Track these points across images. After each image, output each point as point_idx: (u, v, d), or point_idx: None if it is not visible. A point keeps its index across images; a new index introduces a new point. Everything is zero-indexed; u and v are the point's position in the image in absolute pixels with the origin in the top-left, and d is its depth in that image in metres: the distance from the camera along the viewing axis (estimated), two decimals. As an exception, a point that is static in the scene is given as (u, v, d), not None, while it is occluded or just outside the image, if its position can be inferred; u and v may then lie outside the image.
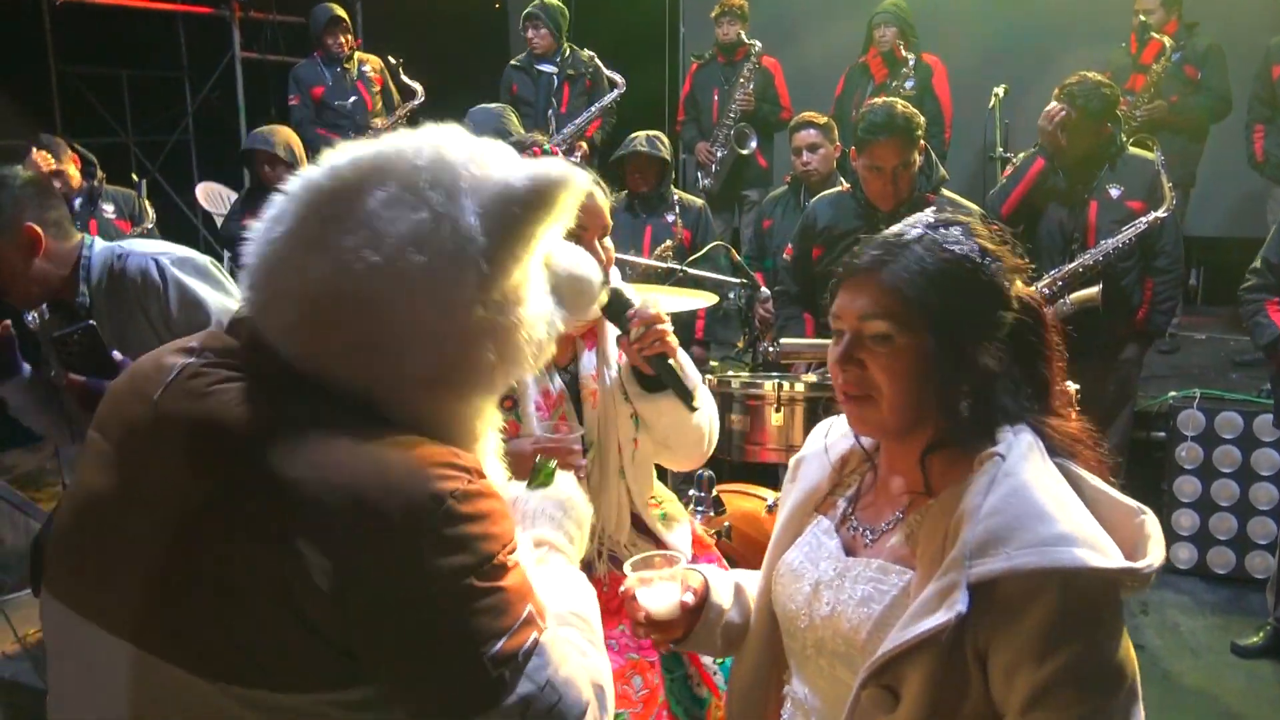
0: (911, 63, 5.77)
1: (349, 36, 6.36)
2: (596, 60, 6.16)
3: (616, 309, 1.97)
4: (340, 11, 6.38)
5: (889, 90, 5.63)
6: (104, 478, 1.12)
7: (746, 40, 6.22)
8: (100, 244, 2.62)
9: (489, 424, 1.21)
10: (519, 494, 1.43)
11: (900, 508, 1.43)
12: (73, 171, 4.76)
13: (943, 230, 1.38)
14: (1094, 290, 3.77)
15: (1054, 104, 3.88)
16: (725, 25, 6.27)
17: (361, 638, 1.01)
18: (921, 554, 1.34)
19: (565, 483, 1.46)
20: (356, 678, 1.03)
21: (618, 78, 6.04)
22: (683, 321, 4.56)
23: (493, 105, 3.73)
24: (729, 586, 1.64)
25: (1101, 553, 1.24)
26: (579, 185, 1.15)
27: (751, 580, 1.67)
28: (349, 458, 1.03)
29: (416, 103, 6.22)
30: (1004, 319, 1.35)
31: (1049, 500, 1.28)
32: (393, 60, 6.34)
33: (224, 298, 2.60)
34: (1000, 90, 5.55)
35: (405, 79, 6.29)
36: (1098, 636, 1.25)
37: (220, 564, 1.02)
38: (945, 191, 3.67)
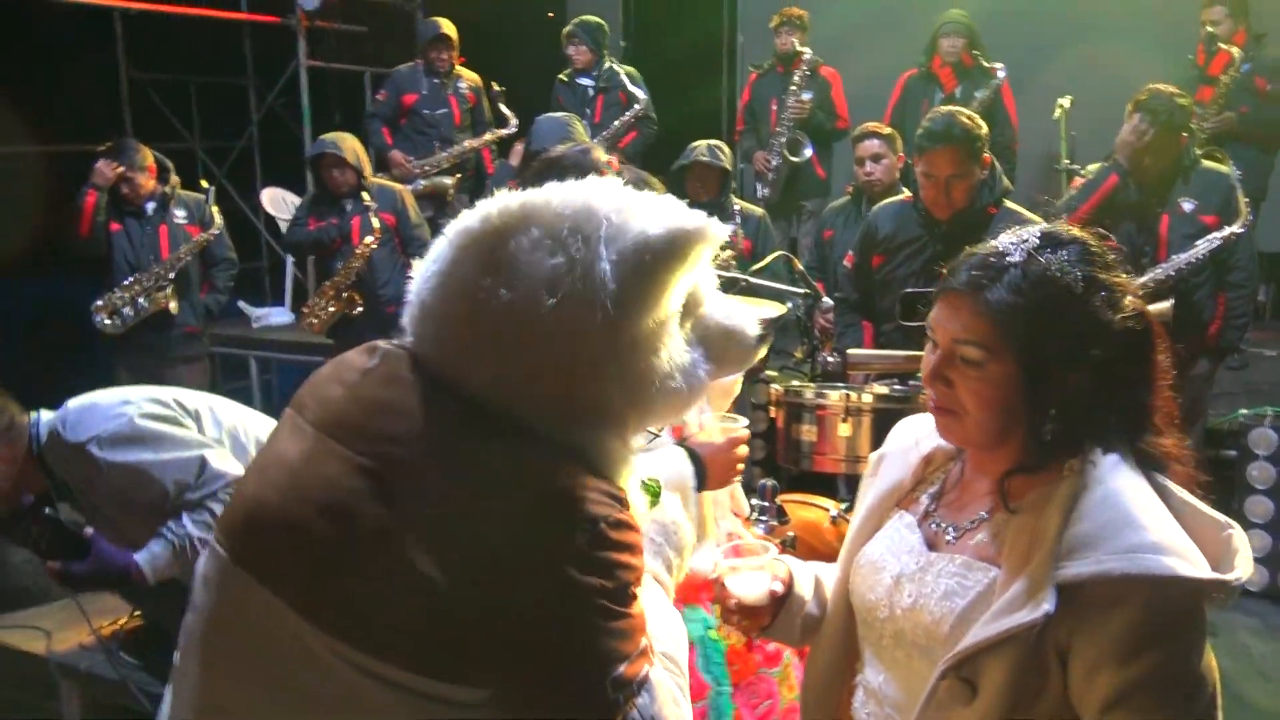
0: (1001, 74, 5.71)
1: (451, 54, 6.50)
2: (621, 75, 6.32)
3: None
4: (448, 30, 6.48)
5: (959, 100, 5.59)
6: (294, 445, 1.17)
7: (809, 53, 6.23)
8: (43, 419, 2.60)
9: (630, 460, 1.23)
10: None
11: (985, 507, 1.45)
12: (146, 179, 4.87)
13: (1048, 255, 1.35)
14: (1165, 305, 3.69)
15: (1137, 119, 3.81)
16: (784, 35, 6.29)
17: (488, 637, 1.04)
18: (1008, 553, 1.36)
19: (670, 506, 1.47)
20: (463, 677, 1.05)
21: (639, 93, 6.25)
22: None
23: (559, 115, 3.77)
24: (809, 578, 1.68)
25: (1191, 563, 1.25)
26: (715, 236, 1.16)
27: (827, 573, 1.70)
28: (513, 467, 1.08)
29: (507, 132, 6.40)
30: (1099, 352, 1.34)
31: (1139, 508, 1.30)
32: (496, 87, 6.44)
33: (168, 452, 2.55)
34: (1066, 101, 5.48)
35: (503, 108, 6.44)
36: (1181, 645, 1.26)
37: (378, 544, 1.06)
38: (1009, 204, 3.63)
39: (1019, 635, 1.28)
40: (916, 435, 1.63)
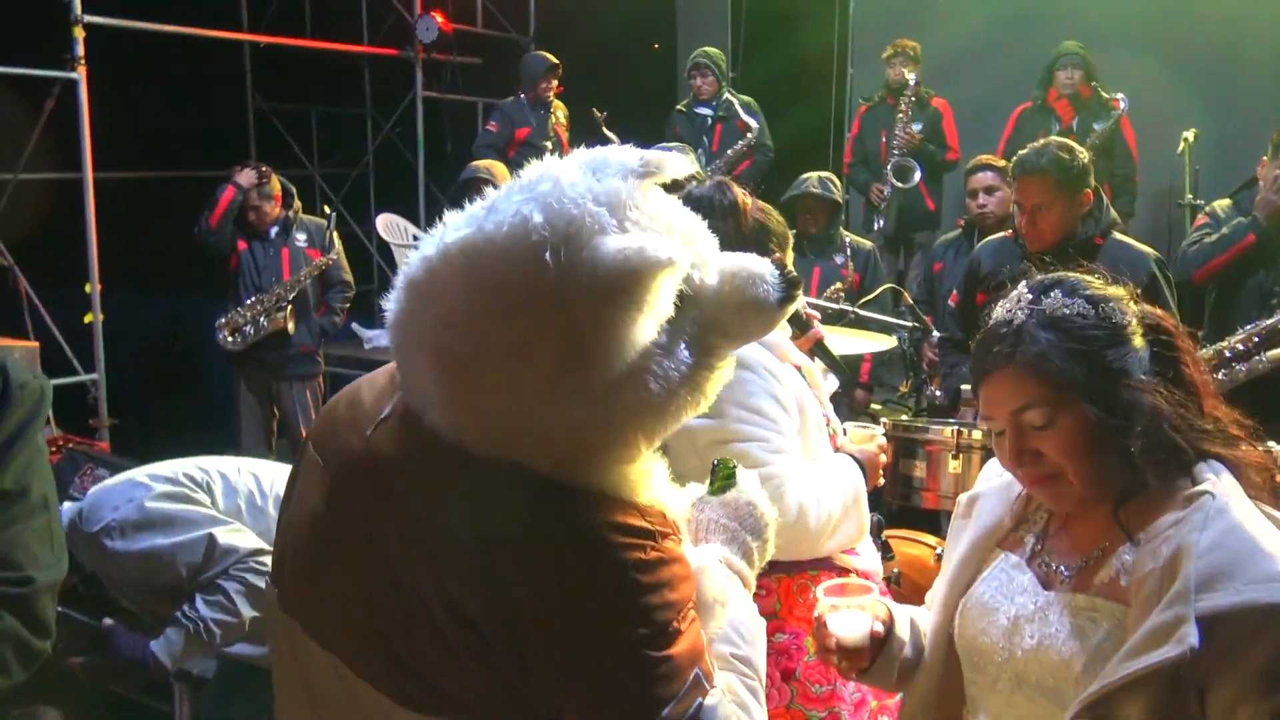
0: (1123, 105, 5.60)
1: (556, 83, 6.72)
2: (736, 105, 6.40)
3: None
4: (554, 59, 6.73)
5: (1076, 133, 5.49)
6: (322, 500, 1.18)
7: (915, 82, 6.20)
8: (65, 510, 2.55)
9: (648, 468, 1.17)
10: (698, 499, 1.38)
11: (1101, 543, 1.43)
12: (271, 205, 5.09)
13: (1048, 301, 1.40)
14: (1292, 349, 3.55)
15: None
16: (896, 67, 6.26)
17: (546, 694, 1.05)
18: (1137, 588, 1.33)
19: (747, 484, 1.39)
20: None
21: (753, 122, 6.33)
22: (850, 365, 4.52)
23: (671, 145, 3.84)
24: (906, 621, 1.65)
25: None
26: (672, 262, 1.03)
27: (921, 616, 1.67)
28: (535, 526, 1.06)
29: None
30: (1138, 350, 1.38)
31: (1265, 538, 1.28)
32: (596, 113, 6.51)
33: (177, 535, 2.50)
34: (1190, 135, 5.31)
35: (606, 131, 6.51)
36: None
37: (418, 603, 1.07)
38: (1118, 235, 3.53)
39: (1161, 672, 1.25)
40: (1010, 474, 1.59)
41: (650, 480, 1.16)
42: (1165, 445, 1.36)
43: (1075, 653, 1.36)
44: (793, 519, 1.95)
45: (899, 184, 6.18)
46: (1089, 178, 3.42)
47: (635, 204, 1.09)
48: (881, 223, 6.28)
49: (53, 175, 5.68)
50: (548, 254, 1.03)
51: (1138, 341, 1.39)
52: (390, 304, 1.14)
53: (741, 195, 2.19)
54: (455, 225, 1.10)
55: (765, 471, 1.94)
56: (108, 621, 2.52)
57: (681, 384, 1.12)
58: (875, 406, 4.79)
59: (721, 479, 1.39)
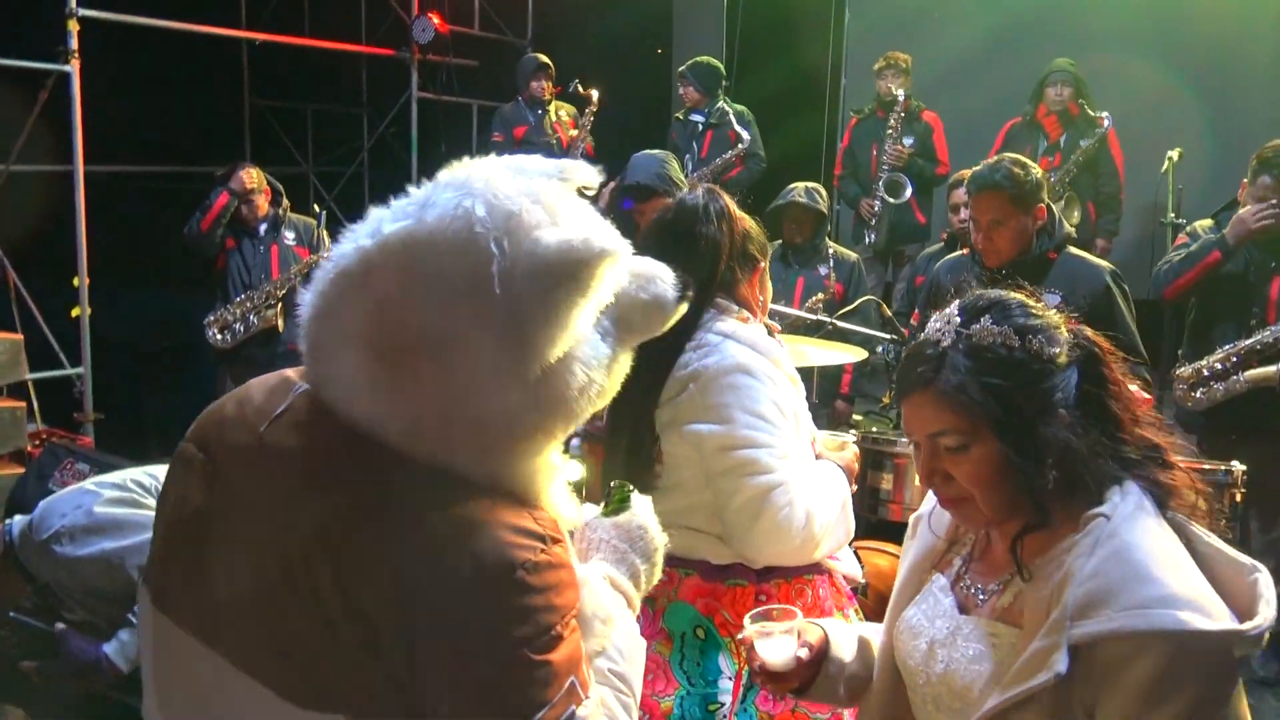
0: (1107, 123, 5.64)
1: (550, 83, 6.84)
2: (730, 114, 6.46)
3: None
4: (546, 59, 6.91)
5: (1063, 149, 5.53)
6: (205, 496, 1.18)
7: (905, 96, 6.23)
8: (16, 523, 2.61)
9: (552, 472, 1.21)
10: (591, 519, 1.40)
11: (1011, 568, 1.44)
12: (261, 200, 5.11)
13: (976, 326, 1.39)
14: (1272, 370, 3.59)
15: (1265, 179, 3.69)
16: (887, 79, 6.28)
17: (427, 688, 1.06)
18: (1028, 614, 1.36)
19: (640, 509, 1.42)
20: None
21: (744, 133, 6.37)
22: (830, 375, 4.54)
23: (655, 151, 3.85)
24: (852, 640, 1.68)
25: (1206, 615, 1.23)
26: (614, 252, 1.10)
27: (877, 633, 1.70)
28: (431, 516, 1.08)
29: (590, 113, 6.71)
30: (1061, 381, 1.37)
31: (1154, 560, 1.29)
32: (582, 90, 6.75)
33: (128, 538, 2.51)
34: (1174, 154, 5.35)
35: (584, 91, 6.73)
36: (1208, 693, 1.24)
37: (311, 595, 1.08)
38: (1073, 250, 3.52)
39: (1037, 697, 1.28)
40: None
41: (552, 485, 1.21)
42: (1074, 480, 1.36)
43: (974, 677, 1.39)
44: (801, 525, 1.99)
45: (891, 199, 6.20)
46: (1041, 193, 3.42)
47: (563, 203, 1.16)
48: (872, 237, 6.31)
49: (44, 168, 5.70)
50: (491, 244, 1.08)
51: (1062, 371, 1.38)
52: (311, 297, 1.16)
53: (730, 202, 2.22)
54: (389, 218, 1.14)
55: (774, 478, 1.98)
56: (60, 626, 2.52)
57: (601, 372, 1.18)
58: (857, 417, 4.80)
59: (616, 501, 1.41)
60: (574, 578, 1.14)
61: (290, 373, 1.24)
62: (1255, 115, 6.04)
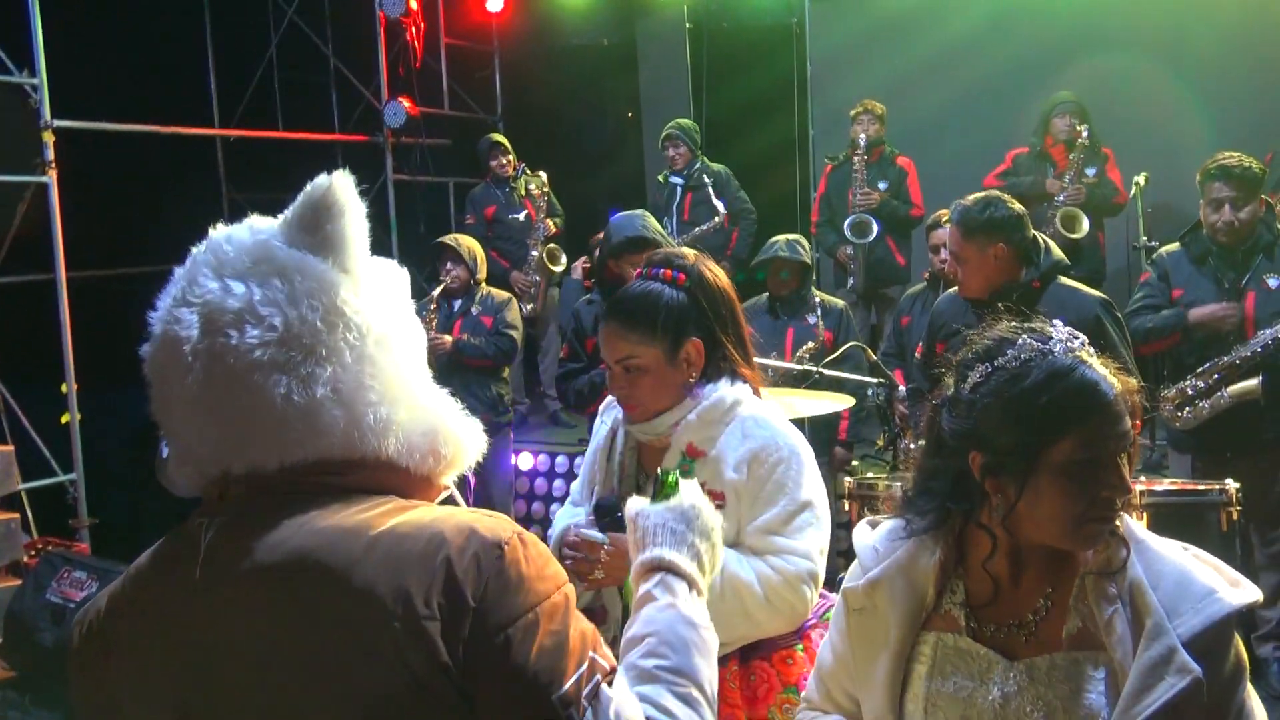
0: (1108, 158, 5.81)
1: (509, 158, 6.96)
2: (705, 177, 6.56)
3: None
4: (499, 137, 7.07)
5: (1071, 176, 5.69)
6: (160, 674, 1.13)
7: (880, 141, 6.36)
8: None
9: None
10: (641, 509, 1.38)
11: (1043, 594, 1.45)
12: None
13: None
14: (1254, 383, 3.62)
15: (1218, 186, 3.77)
16: (863, 124, 6.37)
17: (475, 682, 1.05)
18: (1107, 632, 1.38)
19: (689, 491, 1.39)
20: None
21: (719, 205, 6.42)
22: (826, 423, 4.54)
23: (634, 211, 3.94)
24: None
25: (1239, 587, 1.39)
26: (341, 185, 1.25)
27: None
28: (408, 528, 1.09)
29: (545, 193, 6.78)
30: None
31: (1174, 553, 1.44)
32: (533, 174, 6.80)
33: None
34: (1141, 178, 5.44)
35: (528, 173, 6.82)
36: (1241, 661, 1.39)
37: (341, 669, 1.05)
38: (1064, 280, 3.54)
39: (1179, 704, 1.31)
40: (901, 545, 1.55)
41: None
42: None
43: (1093, 710, 1.38)
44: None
45: (857, 240, 6.27)
46: (1004, 231, 3.39)
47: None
48: (853, 281, 6.37)
49: (26, 278, 5.73)
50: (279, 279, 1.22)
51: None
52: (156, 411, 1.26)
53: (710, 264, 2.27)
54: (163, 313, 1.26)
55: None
56: None
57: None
58: (854, 463, 4.82)
59: (667, 488, 1.39)
60: (547, 550, 1.15)
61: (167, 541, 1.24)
62: (1214, 140, 6.12)
